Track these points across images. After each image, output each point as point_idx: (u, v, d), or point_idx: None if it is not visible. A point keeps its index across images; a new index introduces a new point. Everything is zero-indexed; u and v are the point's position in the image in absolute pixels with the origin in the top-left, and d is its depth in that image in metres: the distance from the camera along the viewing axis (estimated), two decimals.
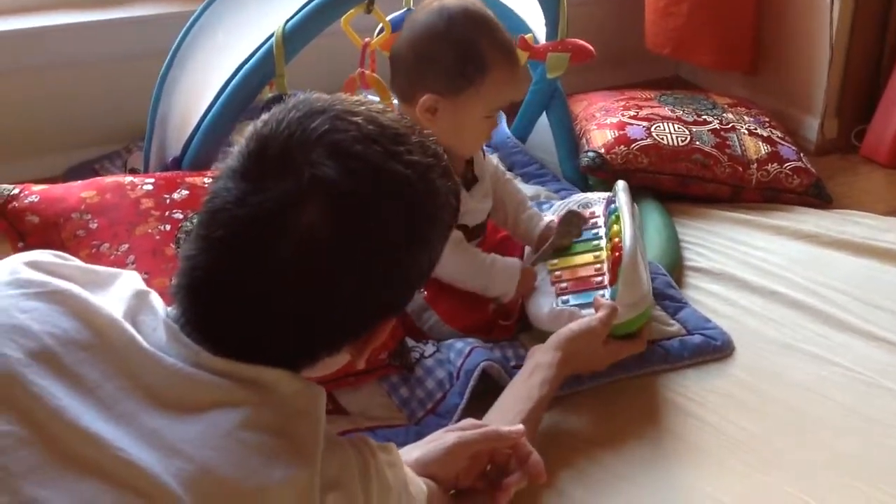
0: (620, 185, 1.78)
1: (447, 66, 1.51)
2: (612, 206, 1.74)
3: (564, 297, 1.59)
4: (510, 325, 1.63)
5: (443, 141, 1.50)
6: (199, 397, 0.83)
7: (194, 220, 1.00)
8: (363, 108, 0.91)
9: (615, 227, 1.65)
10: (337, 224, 0.84)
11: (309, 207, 0.84)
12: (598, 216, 1.77)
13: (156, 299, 0.91)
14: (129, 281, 0.93)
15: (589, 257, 1.66)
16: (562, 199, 1.97)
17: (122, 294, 0.90)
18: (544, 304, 1.59)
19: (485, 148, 1.85)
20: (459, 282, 1.60)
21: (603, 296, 1.56)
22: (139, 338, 0.85)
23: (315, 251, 0.84)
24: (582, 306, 1.55)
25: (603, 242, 1.69)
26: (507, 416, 1.32)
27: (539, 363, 1.42)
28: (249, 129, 0.90)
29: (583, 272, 1.63)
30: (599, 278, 1.61)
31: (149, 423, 0.80)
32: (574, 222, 1.70)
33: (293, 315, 0.87)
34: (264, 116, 0.90)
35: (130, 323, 0.86)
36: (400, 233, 0.88)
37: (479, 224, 1.66)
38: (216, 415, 0.82)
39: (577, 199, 1.89)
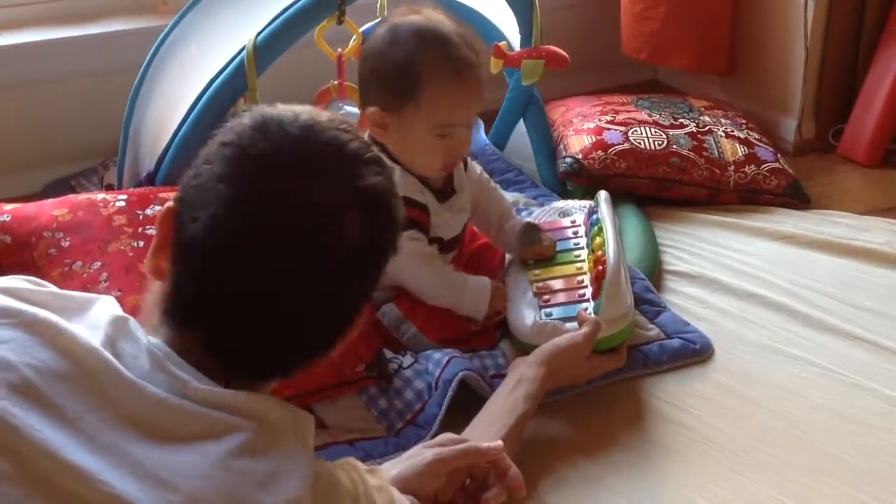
0: (602, 195, 1.77)
1: (384, 81, 1.54)
2: (595, 216, 1.73)
3: (548, 310, 1.57)
4: (490, 335, 1.63)
5: (401, 157, 1.52)
6: (184, 429, 0.82)
7: None
8: None
9: (598, 240, 1.64)
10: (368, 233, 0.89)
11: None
12: (579, 225, 1.76)
13: (135, 326, 0.88)
14: (106, 307, 0.90)
15: (571, 268, 1.66)
16: (540, 205, 1.97)
17: (100, 321, 0.88)
18: (527, 316, 1.57)
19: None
20: (431, 298, 1.59)
21: (586, 309, 1.55)
22: (120, 367, 0.83)
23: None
24: (565, 320, 1.54)
25: (585, 253, 1.68)
26: (490, 429, 1.32)
27: (523, 377, 1.41)
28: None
29: (565, 284, 1.62)
30: (582, 291, 1.61)
31: (133, 453, 0.79)
32: (532, 233, 1.68)
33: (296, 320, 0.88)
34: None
35: (110, 351, 0.84)
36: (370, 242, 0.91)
37: (456, 237, 1.65)
38: (203, 444, 0.81)
39: (557, 207, 1.89)
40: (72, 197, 1.63)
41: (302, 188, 0.86)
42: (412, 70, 1.51)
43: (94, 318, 0.88)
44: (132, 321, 0.89)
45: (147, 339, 0.87)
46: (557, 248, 1.71)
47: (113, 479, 0.77)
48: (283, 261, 0.85)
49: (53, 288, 0.92)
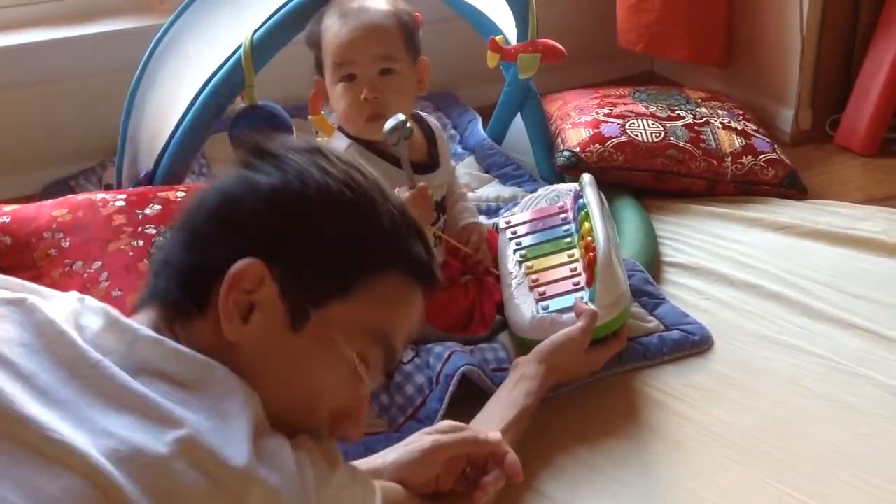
0: (586, 178, 1.75)
1: (310, 45, 1.67)
2: (580, 201, 1.72)
3: (544, 304, 1.58)
4: (486, 320, 1.64)
5: (339, 120, 1.62)
6: (128, 397, 0.84)
7: (167, 235, 1.01)
8: None
9: (586, 225, 1.64)
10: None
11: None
12: (567, 210, 1.76)
13: (94, 301, 0.93)
14: (74, 294, 0.95)
15: (563, 257, 1.66)
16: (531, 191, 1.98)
17: (67, 305, 0.92)
18: (525, 311, 1.58)
19: (461, 152, 1.83)
20: None
21: (581, 298, 1.56)
22: (75, 335, 0.87)
23: None
24: (562, 311, 1.55)
25: (575, 239, 1.68)
26: (491, 422, 1.33)
27: (523, 375, 1.43)
28: None
29: (558, 273, 1.63)
30: (576, 279, 1.61)
31: (84, 411, 0.82)
32: (399, 128, 1.53)
33: None
34: None
35: (74, 326, 0.89)
36: None
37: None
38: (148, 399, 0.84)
39: (545, 194, 1.89)
40: (71, 197, 1.64)
41: None
42: (319, 24, 1.62)
43: (60, 303, 0.92)
44: (91, 299, 0.94)
45: (107, 306, 0.91)
46: (548, 238, 1.72)
47: (62, 430, 0.79)
48: None
49: (13, 278, 0.96)
